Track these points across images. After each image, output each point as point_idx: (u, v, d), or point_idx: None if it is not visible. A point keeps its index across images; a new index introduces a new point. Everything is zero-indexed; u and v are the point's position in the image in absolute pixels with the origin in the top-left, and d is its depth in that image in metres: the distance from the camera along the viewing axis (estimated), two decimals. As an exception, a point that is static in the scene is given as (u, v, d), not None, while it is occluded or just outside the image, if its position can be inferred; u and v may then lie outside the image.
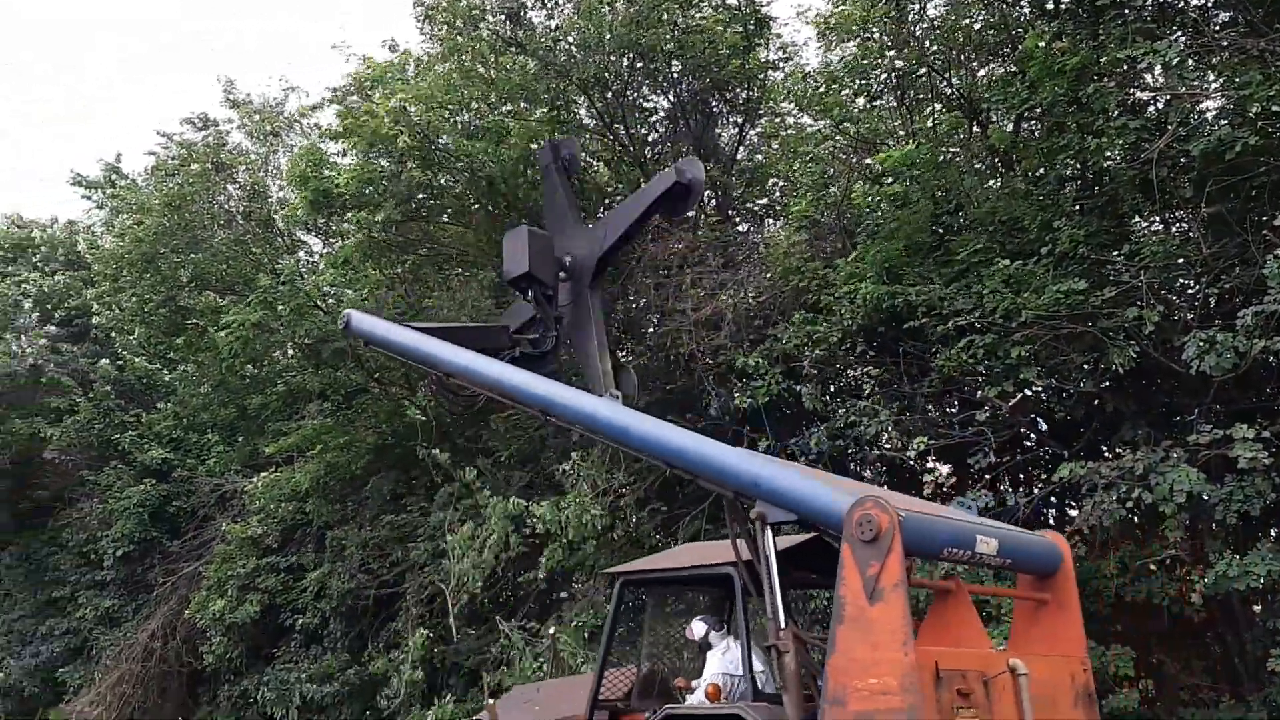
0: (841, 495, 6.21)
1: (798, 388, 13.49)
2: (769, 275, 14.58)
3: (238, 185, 20.84)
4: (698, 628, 8.17)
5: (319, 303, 19.54)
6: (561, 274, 9.85)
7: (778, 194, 17.95)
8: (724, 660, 7.74)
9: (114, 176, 26.50)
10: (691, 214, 14.12)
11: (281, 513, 21.03)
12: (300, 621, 20.10)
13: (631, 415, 7.76)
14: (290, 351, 22.00)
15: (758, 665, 7.32)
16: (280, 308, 19.03)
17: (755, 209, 18.47)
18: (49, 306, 27.59)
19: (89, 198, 27.36)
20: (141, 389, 26.48)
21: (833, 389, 14.43)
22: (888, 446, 13.60)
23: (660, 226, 16.68)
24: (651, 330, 15.89)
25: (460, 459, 18.18)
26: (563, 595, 16.16)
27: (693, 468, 7.32)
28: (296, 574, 20.74)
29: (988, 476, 13.15)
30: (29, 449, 25.55)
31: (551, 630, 14.98)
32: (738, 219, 18.03)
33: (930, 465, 14.57)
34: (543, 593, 16.40)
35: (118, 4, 69.46)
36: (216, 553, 21.57)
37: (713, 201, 17.80)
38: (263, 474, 21.24)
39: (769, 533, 6.49)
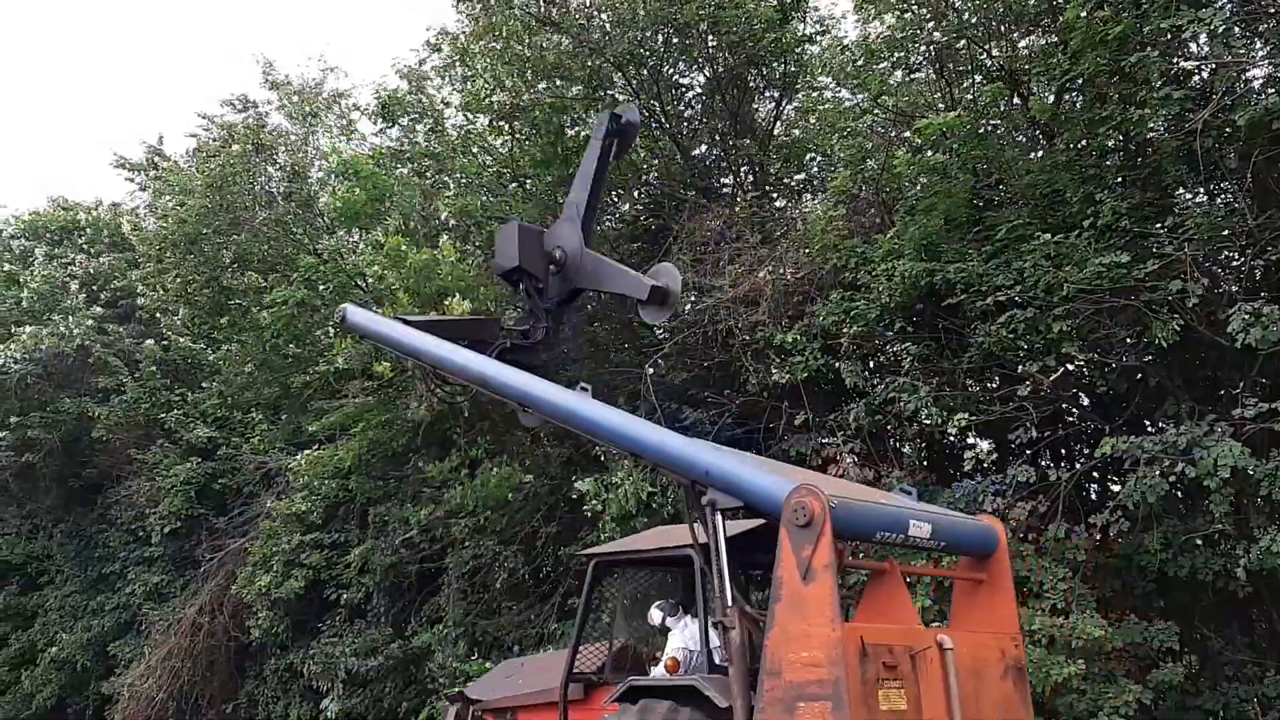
0: (781, 483, 6.66)
1: (836, 364, 13.52)
2: (806, 252, 14.57)
3: (278, 166, 21.04)
4: (655, 614, 8.69)
5: (360, 283, 19.72)
6: (552, 266, 10.10)
7: (815, 169, 17.87)
8: (684, 636, 8.23)
9: (156, 158, 26.81)
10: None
11: (325, 489, 21.27)
12: (344, 596, 20.38)
13: (601, 409, 8.26)
14: (333, 331, 22.24)
15: (715, 640, 7.67)
16: (322, 287, 19.25)
17: (792, 185, 18.40)
18: (95, 288, 27.93)
19: (132, 179, 27.71)
20: (186, 369, 26.82)
21: (872, 365, 14.43)
22: (927, 423, 13.58)
23: (697, 202, 16.72)
24: (689, 306, 15.90)
25: (497, 437, 18.40)
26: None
27: (654, 458, 7.96)
28: (340, 549, 20.99)
29: (1029, 452, 13.10)
30: (78, 428, 25.96)
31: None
32: (775, 195, 17.98)
33: (971, 441, 14.57)
34: (582, 570, 16.52)
35: (156, -14, 70.11)
36: (262, 529, 21.85)
37: (750, 177, 17.77)
38: (306, 452, 21.48)
39: (719, 517, 6.97)
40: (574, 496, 15.08)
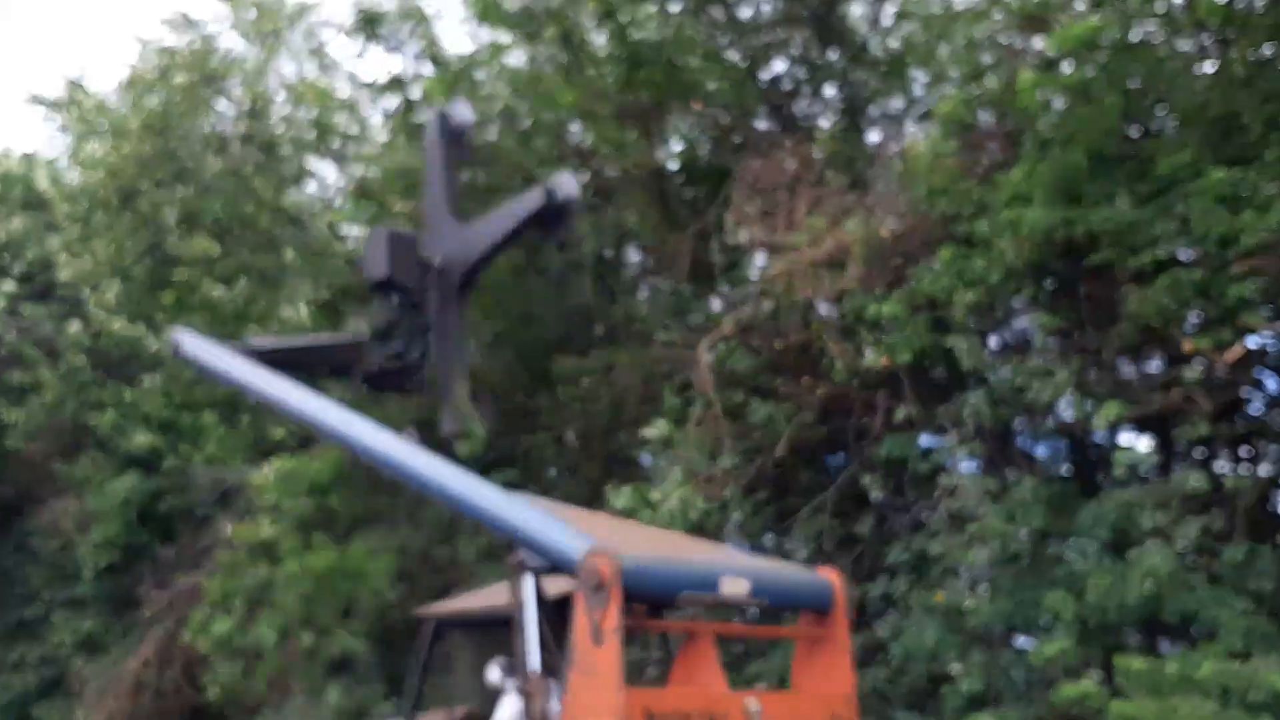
0: (580, 542, 7.81)
1: (948, 342, 13.58)
2: (908, 198, 14.57)
3: (232, 102, 21.37)
4: (493, 673, 9.41)
5: (335, 245, 20.08)
6: (430, 274, 10.74)
7: (919, 91, 17.85)
8: (515, 700, 8.99)
9: (79, 94, 27.15)
10: None
11: (298, 509, 21.62)
12: (324, 645, 20.69)
13: (422, 460, 9.30)
14: (303, 309, 22.57)
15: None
16: (288, 253, 19.55)
17: (891, 111, 18.38)
18: (4, 258, 28.26)
19: (50, 120, 28.13)
20: (121, 359, 27.12)
21: (994, 343, 14.44)
22: (1067, 416, 13.61)
23: (768, 136, 16.77)
24: (756, 271, 16.01)
25: (518, 435, 18.63)
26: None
27: (471, 515, 9.35)
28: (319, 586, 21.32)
29: (1199, 451, 13.10)
30: (-14, 437, 26.46)
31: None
32: (868, 125, 18.00)
33: (1125, 439, 14.56)
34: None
35: None
36: (219, 561, 22.22)
37: (836, 103, 17.75)
38: (273, 462, 21.81)
39: (529, 578, 8.24)
40: (608, 514, 15.20)
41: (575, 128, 18.78)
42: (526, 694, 8.03)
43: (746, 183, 15.74)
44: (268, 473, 21.64)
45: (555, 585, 8.47)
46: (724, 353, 15.23)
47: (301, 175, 21.87)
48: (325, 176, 23.05)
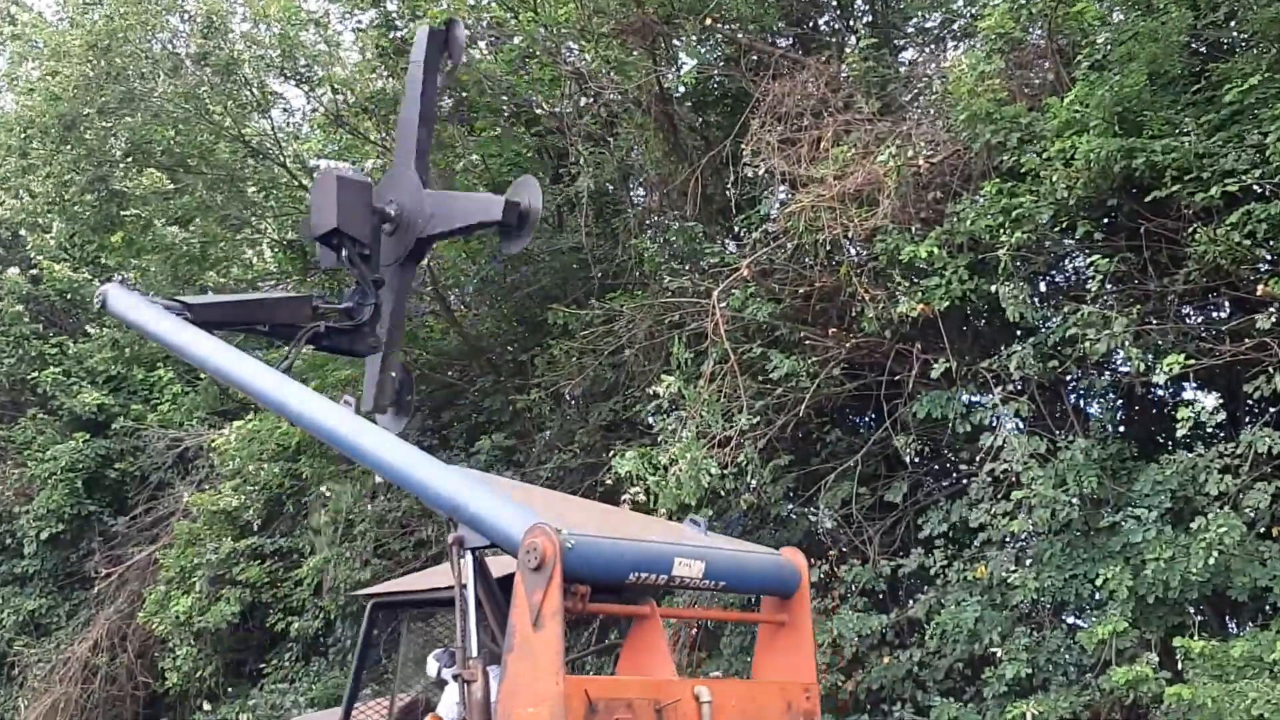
0: (523, 519, 8.01)
1: (991, 287, 13.53)
2: (947, 125, 14.51)
3: (186, 17, 21.25)
4: (431, 665, 9.98)
5: (303, 181, 20.02)
6: (386, 226, 10.95)
7: (959, 3, 17.75)
8: (456, 689, 9.24)
9: (13, 8, 27.04)
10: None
11: (264, 476, 21.71)
12: (295, 625, 20.85)
13: (365, 432, 9.55)
14: (267, 251, 22.58)
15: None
16: (249, 189, 19.52)
17: (928, 27, 18.35)
18: (-67, 196, 28.33)
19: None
20: (66, 308, 27.22)
21: (1043, 288, 14.41)
22: (1126, 369, 13.61)
23: (787, 56, 16.67)
24: (777, 208, 15.94)
25: (509, 394, 18.66)
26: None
27: (414, 492, 9.59)
28: (289, 561, 21.44)
29: (1272, 409, 13.11)
30: (-84, 396, 26.56)
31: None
32: (901, 42, 17.96)
33: (1188, 395, 14.56)
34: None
35: None
36: (177, 532, 22.31)
37: (866, 18, 17.64)
38: (236, 423, 21.87)
39: (468, 557, 8.44)
40: (609, 482, 15.27)
41: (572, 46, 18.66)
42: (465, 681, 8.22)
43: (765, 108, 15.64)
44: (229, 435, 21.71)
45: (502, 564, 8.64)
46: (740, 300, 15.17)
47: (265, 101, 21.75)
48: (291, 101, 22.94)
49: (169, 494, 24.17)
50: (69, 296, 26.70)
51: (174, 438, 23.99)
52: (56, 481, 24.89)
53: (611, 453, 15.15)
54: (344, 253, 10.94)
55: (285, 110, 22.65)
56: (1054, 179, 13.23)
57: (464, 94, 19.09)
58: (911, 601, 14.79)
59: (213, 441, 22.40)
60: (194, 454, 23.69)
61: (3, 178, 23.79)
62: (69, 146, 21.20)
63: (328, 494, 20.07)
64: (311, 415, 9.76)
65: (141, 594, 22.72)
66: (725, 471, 14.23)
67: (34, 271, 26.29)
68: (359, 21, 20.29)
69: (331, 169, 13.31)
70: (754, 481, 15.14)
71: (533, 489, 10.76)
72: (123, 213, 21.74)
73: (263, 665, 21.77)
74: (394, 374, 11.16)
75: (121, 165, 21.51)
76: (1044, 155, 13.39)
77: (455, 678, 8.60)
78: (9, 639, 25.73)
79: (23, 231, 26.19)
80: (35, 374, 25.78)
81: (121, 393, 26.19)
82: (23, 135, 21.84)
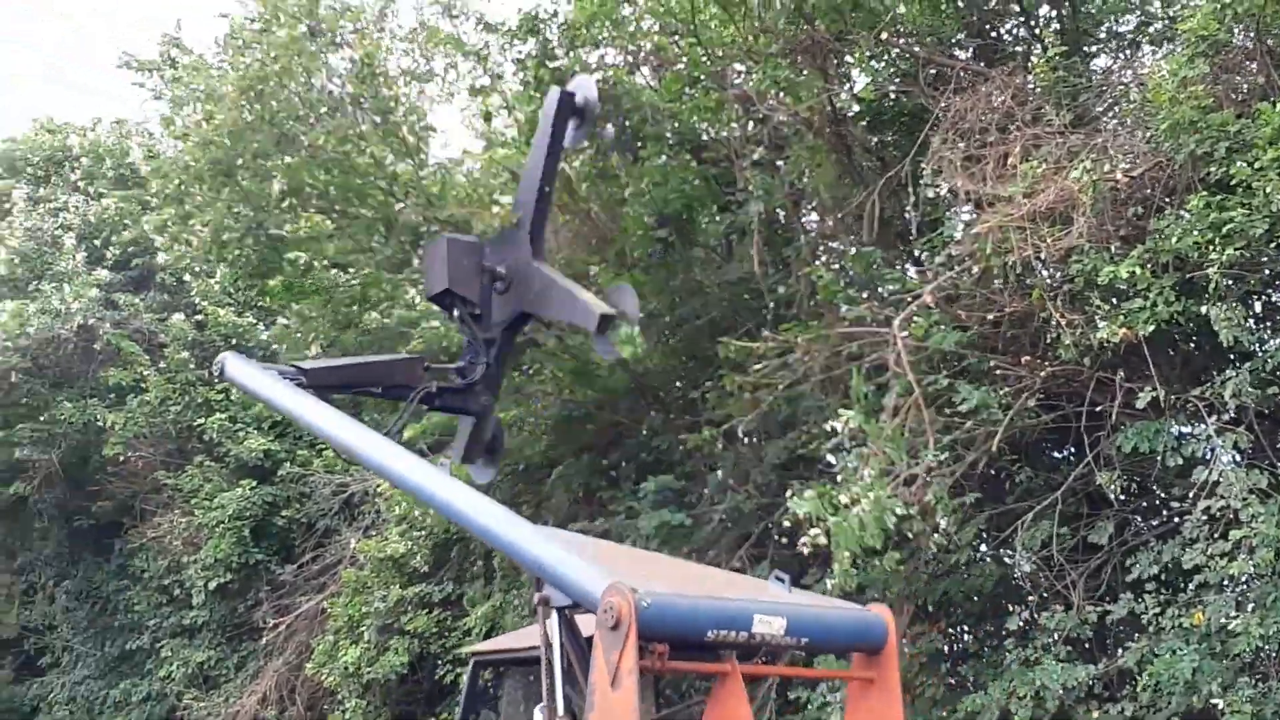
0: (601, 578, 8.37)
1: (1201, 309, 13.23)
2: (1147, 136, 14.23)
3: (342, 57, 21.48)
4: (537, 717, 9.97)
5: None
6: (498, 284, 11.48)
7: (1157, 5, 17.27)
8: None
9: (174, 52, 27.65)
10: None
11: (430, 521, 21.83)
12: (463, 677, 20.88)
13: (459, 492, 9.96)
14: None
15: None
16: (404, 235, 19.60)
17: (1121, 31, 18.05)
18: (97, 242, 28.87)
19: (141, 85, 28.70)
20: (230, 353, 27.76)
21: (1259, 308, 14.10)
22: (1358, 399, 13.14)
23: (969, 69, 16.38)
24: (962, 229, 15.66)
25: (679, 432, 18.49)
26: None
27: (503, 550, 10.56)
28: (457, 610, 21.52)
29: None
30: (83, 444, 27.15)
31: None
32: (1093, 49, 17.69)
33: None
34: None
35: None
36: (344, 580, 22.58)
37: (1053, 24, 17.30)
38: (401, 467, 21.99)
39: (554, 616, 8.94)
40: (786, 524, 15.08)
41: (738, 68, 18.53)
42: None
43: (947, 124, 15.54)
44: (395, 480, 21.85)
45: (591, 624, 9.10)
46: (923, 328, 14.90)
47: (421, 138, 21.91)
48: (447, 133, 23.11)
49: (335, 541, 24.49)
50: (234, 341, 27.20)
51: (340, 483, 24.32)
52: (224, 530, 25.37)
53: (789, 493, 14.97)
54: (455, 312, 11.53)
55: (443, 145, 22.83)
56: (1268, 190, 12.86)
57: (626, 124, 19.07)
58: (1121, 651, 14.44)
59: (379, 486, 22.60)
60: (360, 499, 23.98)
61: (161, 225, 24.35)
62: (226, 192, 21.58)
63: None
64: (410, 478, 10.28)
65: (310, 644, 23.02)
66: (910, 511, 13.95)
67: (199, 317, 26.79)
68: (519, 52, 20.31)
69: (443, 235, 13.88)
70: (943, 522, 14.84)
71: (619, 548, 11.30)
72: (282, 257, 22.05)
73: (431, 718, 21.82)
74: (488, 427, 11.80)
75: (278, 209, 21.81)
76: (1256, 165, 13.01)
77: None
78: (178, 692, 26.29)
79: (186, 277, 26.67)
80: (201, 420, 26.23)
81: (287, 438, 26.60)
82: (179, 181, 22.31)
